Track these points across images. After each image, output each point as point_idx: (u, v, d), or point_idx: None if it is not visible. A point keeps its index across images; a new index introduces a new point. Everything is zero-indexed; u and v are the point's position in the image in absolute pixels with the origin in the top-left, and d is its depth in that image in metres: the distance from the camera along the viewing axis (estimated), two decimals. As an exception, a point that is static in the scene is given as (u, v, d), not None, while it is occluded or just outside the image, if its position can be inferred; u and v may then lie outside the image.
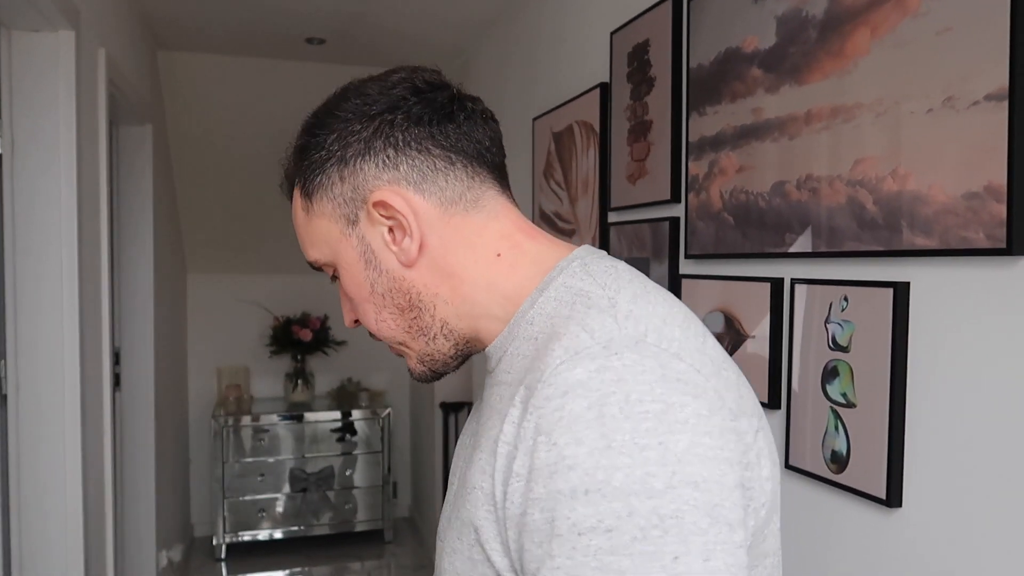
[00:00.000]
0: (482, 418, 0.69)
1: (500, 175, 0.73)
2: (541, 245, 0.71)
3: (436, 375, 0.75)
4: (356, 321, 0.76)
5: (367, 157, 0.68)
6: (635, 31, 1.87)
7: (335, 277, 0.74)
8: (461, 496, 0.63)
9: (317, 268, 0.75)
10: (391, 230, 0.68)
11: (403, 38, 3.00)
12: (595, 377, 0.54)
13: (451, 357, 0.73)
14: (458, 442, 0.82)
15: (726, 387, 0.60)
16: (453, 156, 0.69)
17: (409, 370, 0.76)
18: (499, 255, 0.69)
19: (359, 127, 0.68)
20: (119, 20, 2.42)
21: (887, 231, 1.16)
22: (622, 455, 0.51)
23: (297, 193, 0.72)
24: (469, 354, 0.74)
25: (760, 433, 0.62)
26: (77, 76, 1.85)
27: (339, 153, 0.68)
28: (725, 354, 0.66)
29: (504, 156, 0.74)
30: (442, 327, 0.71)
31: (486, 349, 0.71)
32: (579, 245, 0.73)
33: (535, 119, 2.53)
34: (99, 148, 2.14)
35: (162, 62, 3.31)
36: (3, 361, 1.80)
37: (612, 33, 1.98)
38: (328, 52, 3.23)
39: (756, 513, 0.60)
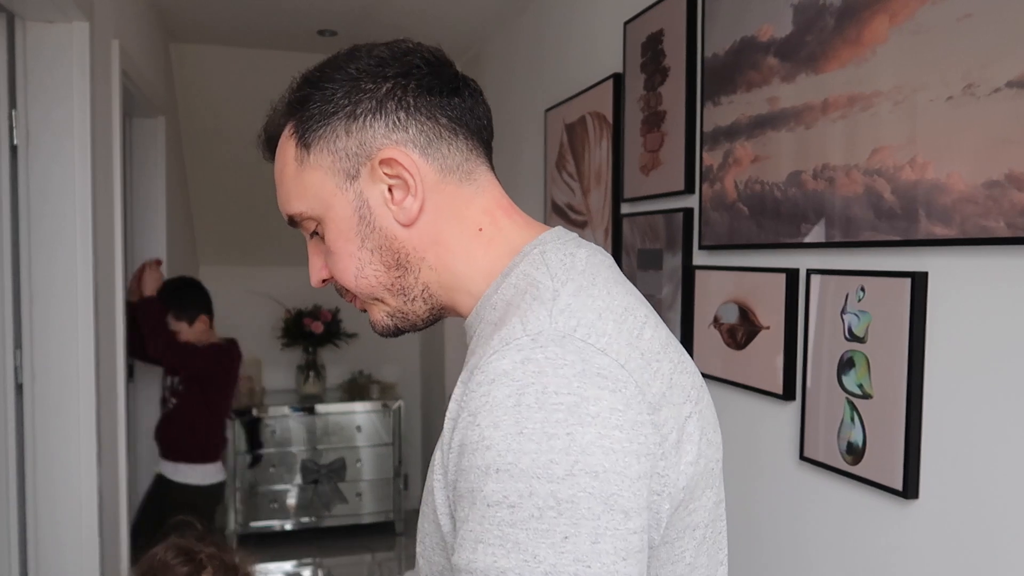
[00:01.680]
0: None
1: (489, 153, 0.76)
2: (516, 224, 0.74)
3: (400, 332, 0.77)
4: (324, 281, 0.77)
5: (378, 115, 0.69)
6: (649, 21, 1.86)
7: (315, 233, 0.75)
8: (430, 467, 0.69)
9: (293, 224, 0.75)
10: (390, 189, 0.70)
11: (415, 29, 3.00)
12: (519, 368, 0.59)
13: (422, 320, 0.76)
14: None
15: (654, 378, 0.63)
16: (457, 127, 0.71)
17: (372, 322, 0.77)
18: (480, 230, 0.72)
19: (372, 85, 0.69)
20: (132, 12, 2.43)
21: (905, 220, 1.15)
22: (531, 441, 0.56)
23: (290, 143, 0.72)
24: (439, 319, 0.77)
25: (692, 418, 0.66)
26: (91, 67, 1.85)
27: (348, 108, 0.69)
28: (667, 342, 0.68)
29: (492, 137, 0.77)
30: (423, 290, 0.73)
31: (465, 322, 0.75)
32: (557, 227, 0.76)
33: (547, 111, 2.52)
34: (113, 140, 2.14)
35: (175, 54, 3.32)
36: (19, 351, 1.81)
37: (625, 23, 1.96)
38: (340, 44, 3.20)
39: (671, 497, 0.63)
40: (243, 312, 4.23)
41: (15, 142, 1.77)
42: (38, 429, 1.84)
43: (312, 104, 0.70)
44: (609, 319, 0.64)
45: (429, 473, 0.67)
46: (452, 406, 0.63)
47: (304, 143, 0.71)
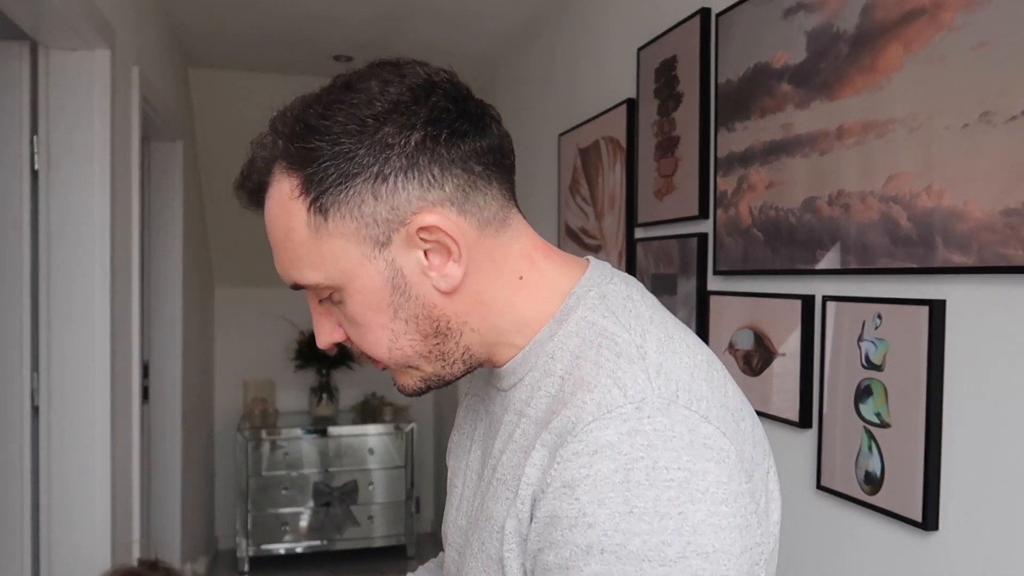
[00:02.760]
0: (495, 441, 0.68)
1: (514, 189, 0.69)
2: (556, 265, 0.69)
3: (428, 390, 0.70)
4: (336, 344, 0.69)
5: (410, 175, 0.60)
6: (662, 47, 1.87)
7: (327, 299, 0.66)
8: (487, 530, 0.64)
9: (298, 288, 0.66)
10: (426, 254, 0.63)
11: (431, 51, 3.02)
12: (625, 440, 0.55)
13: (455, 378, 0.69)
14: (454, 440, 0.81)
15: (743, 440, 0.61)
16: (491, 174, 0.64)
17: (401, 385, 0.70)
18: (521, 278, 0.66)
19: (399, 139, 0.60)
20: (152, 38, 2.47)
21: (922, 247, 1.14)
22: (642, 522, 0.53)
23: (298, 206, 0.62)
24: (469, 373, 0.71)
25: (770, 474, 0.64)
26: (112, 94, 1.88)
27: (375, 168, 0.60)
28: (741, 396, 0.66)
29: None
30: (463, 353, 0.67)
31: (498, 368, 0.69)
32: (586, 258, 0.72)
33: (561, 135, 2.53)
34: (132, 165, 2.17)
35: (192, 79, 3.37)
36: (35, 374, 1.83)
37: (639, 49, 1.98)
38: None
39: (767, 564, 0.62)
40: (258, 334, 4.25)
41: (36, 167, 1.80)
42: (53, 451, 1.85)
43: (323, 161, 0.60)
44: (701, 378, 0.61)
45: (489, 540, 0.63)
46: (532, 472, 0.59)
47: (319, 208, 0.61)
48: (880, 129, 1.22)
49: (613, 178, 2.15)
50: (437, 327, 0.65)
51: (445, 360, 0.67)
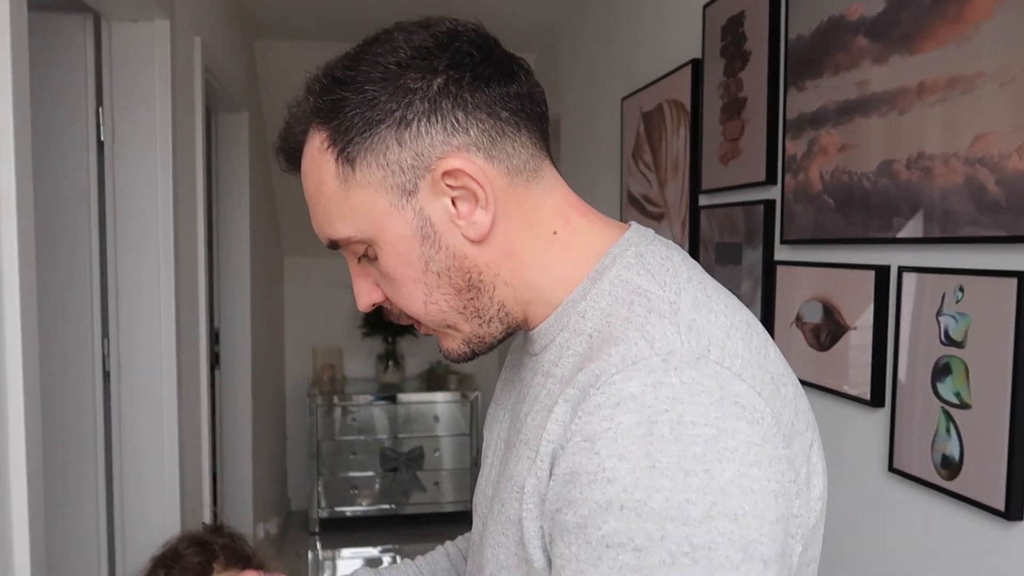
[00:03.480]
0: (523, 405, 0.67)
1: (547, 141, 0.67)
2: (593, 224, 0.66)
3: (474, 356, 0.69)
4: (374, 304, 0.68)
5: (433, 119, 0.59)
6: (729, 3, 1.76)
7: (364, 256, 0.65)
8: (507, 491, 0.62)
9: (335, 247, 0.66)
10: (454, 202, 0.61)
11: (490, 19, 2.95)
12: (650, 392, 0.52)
13: (497, 340, 0.68)
14: (490, 412, 0.80)
15: (784, 405, 0.56)
16: (519, 120, 0.62)
17: (445, 350, 0.69)
18: (555, 233, 0.64)
19: (421, 84, 0.59)
20: (215, 10, 2.48)
21: (1011, 214, 1.04)
22: (664, 477, 0.50)
23: (327, 158, 0.62)
24: (511, 336, 0.69)
25: (813, 447, 0.59)
26: (172, 65, 1.90)
27: (397, 113, 0.59)
28: (785, 364, 0.62)
29: (548, 123, 0.68)
30: (499, 310, 0.65)
31: (530, 331, 0.67)
32: (629, 222, 0.69)
33: (623, 99, 2.45)
34: (195, 135, 2.20)
35: (257, 49, 3.40)
36: (105, 340, 1.89)
37: (704, 7, 1.87)
38: (417, 36, 3.23)
39: (804, 539, 0.57)
40: (326, 302, 4.32)
41: (102, 138, 1.84)
42: (124, 415, 1.91)
43: (349, 110, 0.60)
44: (737, 337, 0.57)
45: (509, 500, 0.61)
46: (553, 428, 0.56)
47: (347, 158, 0.61)
48: (966, 84, 1.11)
49: (677, 143, 2.07)
50: (469, 279, 0.63)
51: (481, 317, 0.65)
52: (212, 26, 2.43)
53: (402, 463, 4.10)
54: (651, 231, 0.68)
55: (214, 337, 2.83)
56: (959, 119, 1.13)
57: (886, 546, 1.32)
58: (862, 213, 1.33)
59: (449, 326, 0.66)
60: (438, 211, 0.61)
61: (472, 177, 0.60)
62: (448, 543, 0.93)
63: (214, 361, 2.72)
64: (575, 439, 0.53)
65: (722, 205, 1.82)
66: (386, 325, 4.22)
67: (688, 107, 1.98)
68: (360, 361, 4.43)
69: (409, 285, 0.64)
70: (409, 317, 0.67)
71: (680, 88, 2.03)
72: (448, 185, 0.61)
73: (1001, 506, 1.06)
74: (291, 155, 0.67)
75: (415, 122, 0.59)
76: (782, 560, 0.53)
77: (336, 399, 4.04)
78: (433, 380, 4.29)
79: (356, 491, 4.08)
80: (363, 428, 4.08)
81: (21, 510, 1.12)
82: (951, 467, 1.15)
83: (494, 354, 4.50)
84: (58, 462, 1.77)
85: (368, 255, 0.65)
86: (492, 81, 0.61)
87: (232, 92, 2.72)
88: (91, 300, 1.84)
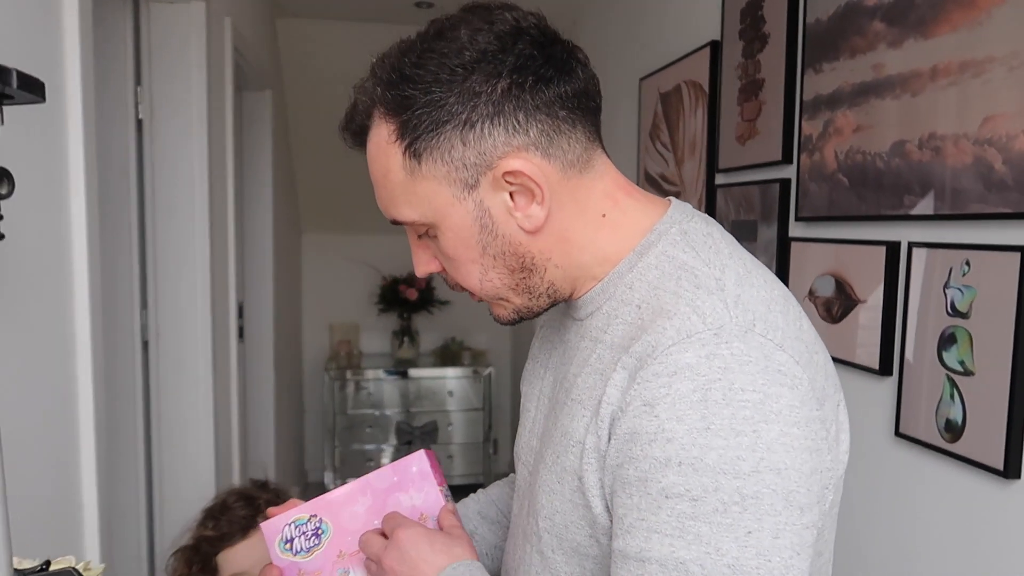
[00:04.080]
0: (570, 366, 0.72)
1: (599, 129, 0.71)
2: (638, 203, 0.71)
3: (520, 321, 0.75)
4: (431, 273, 0.74)
5: (496, 121, 0.64)
6: (749, -14, 1.81)
7: (425, 234, 0.71)
8: (562, 445, 0.68)
9: (397, 223, 0.71)
10: (512, 196, 0.66)
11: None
12: (704, 363, 0.58)
13: (543, 310, 0.74)
14: (528, 368, 0.85)
15: (816, 371, 0.63)
16: (575, 117, 0.67)
17: (496, 316, 0.75)
18: (604, 215, 0.69)
19: (486, 87, 0.63)
20: (242, -10, 2.54)
21: (1017, 192, 1.11)
22: (718, 437, 0.56)
23: (395, 150, 0.66)
24: (555, 305, 0.75)
25: (840, 406, 0.67)
26: (207, 45, 1.97)
27: (463, 115, 0.63)
28: (815, 333, 0.69)
29: (601, 109, 0.72)
30: (548, 287, 0.71)
31: (575, 299, 0.73)
32: (669, 198, 0.74)
33: (642, 79, 2.50)
34: (226, 114, 2.27)
35: (280, 28, 3.45)
36: (145, 311, 1.97)
37: (724, -11, 1.92)
38: (436, 15, 3.27)
39: (835, 489, 0.65)
40: (342, 278, 4.40)
41: (140, 116, 1.91)
42: (162, 382, 2.00)
43: (417, 108, 0.64)
44: (777, 311, 0.63)
45: (564, 453, 0.67)
46: (612, 392, 0.62)
47: (414, 153, 0.65)
48: (977, 68, 1.17)
49: (694, 123, 2.12)
50: (523, 263, 0.69)
51: (531, 293, 0.71)
52: (241, 6, 2.48)
53: (417, 437, 4.20)
54: (689, 206, 0.73)
55: (238, 310, 2.91)
56: (970, 101, 1.19)
57: (893, 506, 1.39)
58: (875, 191, 1.40)
59: (501, 299, 0.73)
60: (497, 204, 0.67)
61: (530, 177, 0.65)
62: (492, 486, 1.00)
63: (238, 334, 2.80)
64: (635, 403, 0.59)
65: (738, 184, 1.89)
66: (401, 302, 4.30)
67: (706, 88, 2.03)
68: (376, 337, 4.52)
69: (467, 265, 0.70)
70: (464, 288, 0.73)
71: (699, 69, 2.08)
72: (508, 182, 0.66)
73: (1000, 466, 1.13)
74: (356, 136, 0.72)
75: (479, 124, 0.64)
76: (817, 507, 0.60)
77: (350, 374, 4.12)
78: (447, 356, 4.37)
79: (371, 463, 4.18)
80: (377, 402, 4.17)
81: (90, 473, 1.20)
82: (954, 431, 1.22)
83: (508, 331, 4.58)
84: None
85: (429, 234, 0.71)
86: (552, 81, 0.65)
87: (257, 70, 2.78)
88: (131, 272, 1.92)
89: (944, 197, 1.24)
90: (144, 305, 1.97)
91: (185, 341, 2.01)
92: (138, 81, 1.89)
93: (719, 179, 2.01)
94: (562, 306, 0.79)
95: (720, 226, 0.73)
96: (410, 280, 4.31)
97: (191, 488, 2.03)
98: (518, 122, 0.64)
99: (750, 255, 0.71)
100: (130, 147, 1.89)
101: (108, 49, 1.83)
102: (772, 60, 1.72)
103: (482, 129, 0.64)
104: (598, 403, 0.64)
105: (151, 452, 2.01)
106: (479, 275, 0.70)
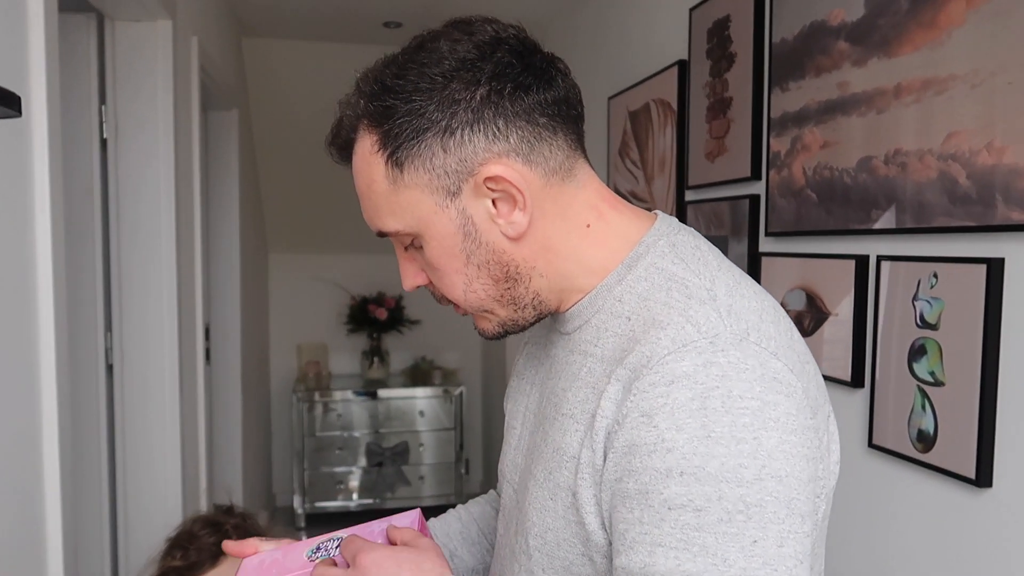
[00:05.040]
0: (558, 380, 0.72)
1: (582, 139, 0.72)
2: (623, 215, 0.71)
3: (506, 336, 0.75)
4: (418, 286, 0.73)
5: (476, 128, 0.64)
6: (715, 7, 1.85)
7: (411, 246, 0.71)
8: (554, 461, 0.67)
9: (383, 235, 0.71)
10: (494, 202, 0.66)
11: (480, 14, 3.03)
12: (701, 371, 0.57)
13: (529, 323, 0.73)
14: (513, 386, 0.85)
15: (808, 381, 0.63)
16: (556, 124, 0.67)
17: (481, 330, 0.74)
18: (588, 226, 0.69)
19: (465, 94, 0.64)
20: (209, 8, 2.52)
21: (980, 206, 1.13)
22: (719, 445, 0.56)
23: (377, 160, 0.66)
24: (542, 319, 0.74)
25: (830, 417, 0.67)
26: (174, 64, 1.94)
27: (443, 122, 0.64)
28: (804, 344, 0.69)
29: (584, 119, 0.73)
30: (534, 298, 0.70)
31: (563, 312, 0.72)
32: (655, 211, 0.74)
33: (611, 98, 2.53)
34: (192, 133, 2.24)
35: (246, 48, 3.43)
36: (109, 333, 1.92)
37: (691, 9, 1.96)
38: (405, 36, 3.22)
39: (827, 499, 0.65)
40: (310, 298, 4.35)
41: (105, 136, 1.87)
42: (127, 407, 1.95)
43: (398, 117, 0.65)
44: (768, 321, 0.63)
45: (558, 469, 0.66)
46: (607, 406, 0.61)
47: (396, 162, 0.66)
48: (940, 86, 1.20)
49: (663, 141, 2.15)
50: (507, 272, 0.69)
51: (516, 304, 0.71)
52: (207, 25, 2.46)
53: (388, 458, 4.15)
54: (675, 220, 0.74)
55: (205, 332, 2.86)
56: (933, 118, 1.22)
57: (867, 517, 1.41)
58: (843, 206, 1.42)
59: (486, 311, 0.72)
60: (479, 211, 0.67)
61: (511, 183, 0.65)
62: (471, 502, 0.98)
63: (205, 356, 2.75)
64: (632, 414, 0.59)
65: (708, 200, 1.91)
66: (371, 322, 4.26)
67: (675, 106, 2.06)
68: (345, 357, 4.47)
69: (452, 275, 0.69)
70: (449, 300, 0.73)
71: (667, 88, 2.11)
72: (489, 188, 0.66)
73: (972, 474, 1.15)
74: (342, 150, 0.72)
75: (459, 131, 0.64)
76: (813, 516, 0.60)
77: (319, 395, 4.07)
78: (418, 376, 4.34)
79: (341, 486, 4.12)
80: (346, 424, 4.11)
81: (54, 501, 1.16)
82: (926, 441, 1.24)
83: (478, 351, 4.56)
84: (64, 452, 1.81)
85: (415, 244, 0.70)
86: (531, 89, 0.66)
87: (224, 90, 2.76)
88: (95, 294, 1.88)
89: (911, 211, 1.27)
90: (109, 327, 1.92)
91: (151, 364, 1.96)
92: (103, 100, 1.86)
93: (689, 195, 2.03)
94: (548, 321, 0.78)
95: (707, 240, 0.73)
96: (379, 300, 4.28)
97: (158, 515, 1.98)
98: (498, 128, 0.64)
99: (738, 268, 0.71)
100: (94, 166, 1.85)
101: (72, 67, 1.80)
102: (740, 79, 1.75)
103: (462, 136, 0.64)
104: (592, 417, 0.63)
105: (116, 479, 1.96)
106: (463, 286, 0.70)
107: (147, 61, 1.89)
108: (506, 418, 0.85)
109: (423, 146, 0.65)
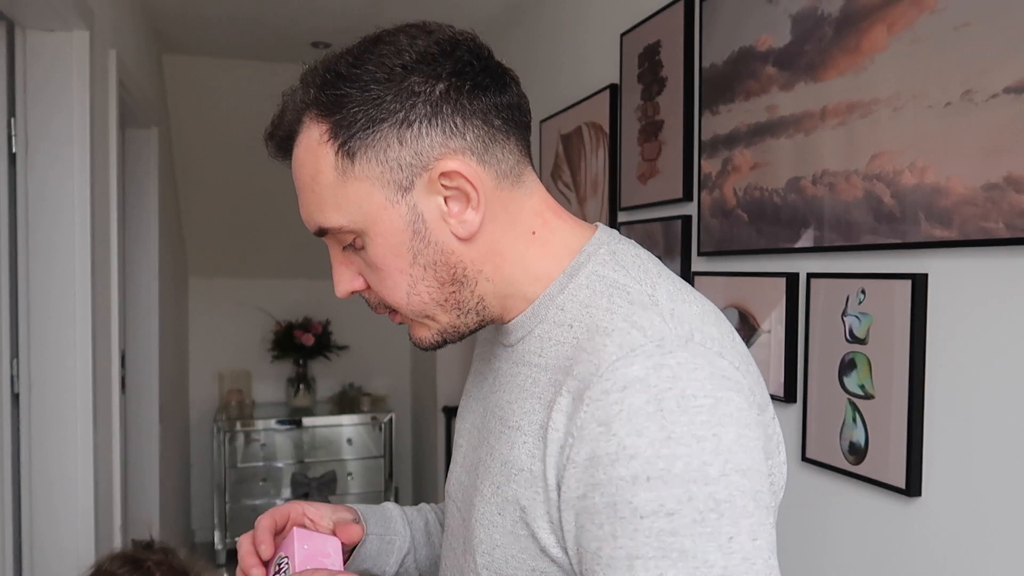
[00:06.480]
0: (503, 393, 0.70)
1: (530, 149, 0.72)
2: (567, 224, 0.71)
3: (444, 345, 0.72)
4: (352, 292, 0.71)
5: (434, 122, 0.63)
6: (646, 32, 1.89)
7: (350, 246, 0.68)
8: (501, 475, 0.65)
9: (322, 234, 0.68)
10: (446, 200, 0.65)
11: (408, 42, 3.02)
12: (652, 374, 0.57)
13: (470, 331, 0.71)
14: (462, 404, 0.83)
15: (755, 380, 0.64)
16: (509, 129, 0.67)
17: (417, 339, 0.72)
18: (534, 233, 0.69)
19: (425, 87, 0.63)
20: (128, 22, 2.43)
21: (904, 223, 1.18)
22: (681, 445, 0.55)
23: (326, 149, 0.64)
24: (482, 327, 0.73)
25: (774, 419, 0.67)
26: (90, 77, 1.86)
27: (401, 113, 0.63)
28: (745, 347, 0.69)
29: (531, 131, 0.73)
30: (477, 303, 0.69)
31: (505, 323, 0.71)
32: (596, 223, 0.74)
33: (542, 121, 2.55)
34: (110, 150, 2.14)
35: (167, 65, 3.32)
36: (16, 360, 1.80)
37: (622, 35, 2.00)
38: (333, 56, 3.24)
39: (776, 496, 0.65)
40: (233, 324, 4.21)
41: (14, 150, 1.77)
42: (35, 439, 1.83)
43: (353, 106, 0.63)
44: (710, 323, 0.64)
45: (505, 483, 0.64)
46: (558, 418, 0.60)
47: (347, 152, 0.64)
48: (864, 109, 1.25)
49: (596, 163, 2.17)
50: (454, 274, 0.67)
51: (460, 309, 0.69)
52: (126, 39, 2.37)
53: (314, 488, 4.01)
54: (615, 231, 0.74)
55: (121, 359, 2.72)
56: (858, 140, 1.26)
57: (802, 529, 1.43)
58: (773, 225, 1.46)
59: (427, 316, 0.69)
60: (431, 208, 0.65)
61: (467, 179, 0.64)
62: (410, 508, 0.96)
63: (120, 385, 2.62)
64: (589, 425, 0.57)
65: (641, 221, 1.93)
66: (297, 348, 4.15)
67: (607, 129, 2.09)
68: (270, 385, 4.33)
69: (395, 276, 0.67)
70: (387, 306, 0.70)
71: (599, 111, 2.14)
72: (443, 185, 0.64)
73: (902, 484, 1.19)
74: (282, 142, 0.69)
75: (417, 123, 0.63)
76: (774, 509, 0.60)
77: (240, 425, 3.92)
78: (345, 403, 4.23)
79: (266, 518, 3.97)
80: (270, 454, 3.97)
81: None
82: (857, 452, 1.27)
83: (408, 376, 4.49)
84: (-37, 489, 1.67)
85: (355, 244, 0.67)
86: (489, 90, 0.65)
87: (143, 107, 2.65)
88: (0, 319, 1.76)
89: (838, 229, 1.31)
90: (15, 354, 1.80)
91: (62, 393, 1.85)
92: (11, 112, 1.76)
93: (622, 217, 2.06)
94: (492, 335, 0.77)
95: (647, 250, 0.74)
96: (305, 325, 4.17)
97: (68, 555, 1.85)
98: (455, 125, 0.64)
99: (677, 276, 0.72)
100: (1, 182, 1.74)
101: (-22, 77, 1.70)
102: (671, 102, 1.79)
103: (419, 129, 0.63)
104: (542, 429, 0.62)
105: (20, 518, 1.82)
106: (407, 287, 0.67)
107: (62, 73, 1.80)
108: (455, 438, 0.82)
109: (378, 136, 0.63)
